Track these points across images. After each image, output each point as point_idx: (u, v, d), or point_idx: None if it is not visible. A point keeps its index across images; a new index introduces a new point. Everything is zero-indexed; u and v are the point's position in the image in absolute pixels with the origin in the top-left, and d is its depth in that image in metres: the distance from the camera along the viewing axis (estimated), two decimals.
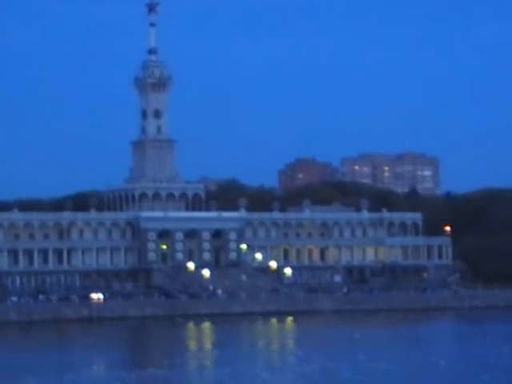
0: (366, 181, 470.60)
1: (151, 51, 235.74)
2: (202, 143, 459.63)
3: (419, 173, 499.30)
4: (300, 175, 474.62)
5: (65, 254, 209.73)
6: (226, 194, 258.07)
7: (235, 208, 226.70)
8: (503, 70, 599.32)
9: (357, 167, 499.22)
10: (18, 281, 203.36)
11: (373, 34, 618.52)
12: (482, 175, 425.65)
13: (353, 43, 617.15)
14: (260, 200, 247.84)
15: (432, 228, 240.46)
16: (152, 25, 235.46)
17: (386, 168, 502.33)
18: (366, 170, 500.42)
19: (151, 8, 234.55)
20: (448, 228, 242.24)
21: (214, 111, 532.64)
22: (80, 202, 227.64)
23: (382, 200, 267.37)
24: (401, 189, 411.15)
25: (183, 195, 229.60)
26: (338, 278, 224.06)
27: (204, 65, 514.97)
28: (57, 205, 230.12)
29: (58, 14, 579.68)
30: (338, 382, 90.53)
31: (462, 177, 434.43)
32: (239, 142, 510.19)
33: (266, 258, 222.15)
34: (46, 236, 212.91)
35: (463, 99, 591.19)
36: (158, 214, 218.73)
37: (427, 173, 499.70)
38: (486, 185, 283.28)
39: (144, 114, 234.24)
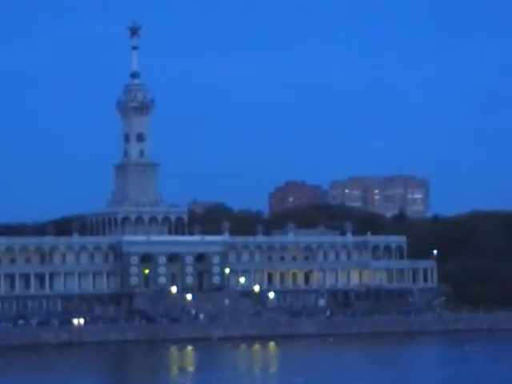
0: (356, 204, 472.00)
1: (134, 75, 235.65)
2: (189, 166, 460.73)
3: (409, 196, 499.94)
4: (290, 198, 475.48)
5: (47, 278, 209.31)
6: (211, 218, 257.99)
7: (220, 232, 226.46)
8: (494, 94, 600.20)
9: (347, 190, 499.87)
10: None
11: (360, 56, 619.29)
12: (472, 197, 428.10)
13: (339, 64, 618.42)
14: (245, 223, 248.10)
15: (418, 251, 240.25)
16: (135, 48, 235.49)
17: (376, 191, 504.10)
18: (355, 193, 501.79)
19: (134, 32, 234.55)
20: (435, 251, 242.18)
21: (200, 134, 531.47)
22: (62, 227, 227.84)
23: (368, 223, 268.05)
24: (391, 211, 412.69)
25: (166, 219, 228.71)
26: (322, 302, 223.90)
27: (188, 87, 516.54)
28: (39, 229, 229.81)
29: (39, 34, 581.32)
30: None
31: (452, 199, 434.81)
32: (227, 165, 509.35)
33: (250, 282, 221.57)
34: (28, 260, 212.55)
35: (453, 119, 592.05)
36: (141, 237, 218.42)
37: (417, 195, 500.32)
38: (476, 207, 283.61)
39: (127, 138, 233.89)
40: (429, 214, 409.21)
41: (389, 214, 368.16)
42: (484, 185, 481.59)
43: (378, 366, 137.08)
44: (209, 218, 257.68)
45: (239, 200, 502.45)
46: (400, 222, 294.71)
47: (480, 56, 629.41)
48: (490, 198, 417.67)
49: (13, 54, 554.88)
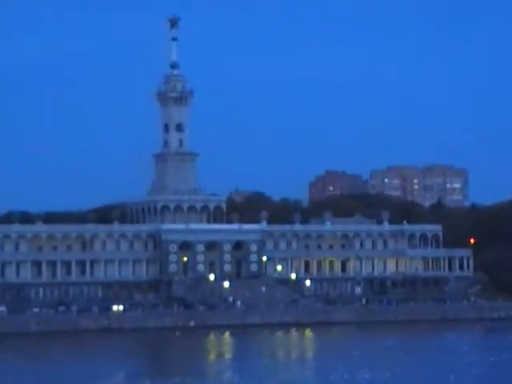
0: (396, 193, 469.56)
1: (173, 65, 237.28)
2: (229, 156, 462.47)
3: (448, 185, 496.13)
4: (330, 187, 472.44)
5: (87, 265, 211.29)
6: (250, 206, 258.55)
7: (258, 220, 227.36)
8: None
9: (386, 179, 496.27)
10: (40, 292, 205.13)
11: (392, 47, 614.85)
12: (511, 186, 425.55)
13: (375, 56, 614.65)
14: (284, 212, 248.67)
15: (455, 239, 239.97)
16: (174, 39, 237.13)
17: (416, 180, 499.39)
18: (395, 182, 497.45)
19: (173, 23, 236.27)
20: (472, 240, 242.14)
21: (239, 124, 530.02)
22: (103, 215, 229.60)
23: (405, 212, 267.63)
24: (430, 201, 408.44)
25: (205, 207, 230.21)
26: (358, 290, 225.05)
27: (226, 78, 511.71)
28: (81, 217, 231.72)
29: (77, 27, 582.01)
30: None
31: (491, 188, 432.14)
32: (268, 154, 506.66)
33: (287, 270, 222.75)
34: (69, 248, 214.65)
35: (490, 109, 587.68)
36: (180, 226, 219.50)
37: (456, 185, 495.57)
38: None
39: (166, 128, 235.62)
40: (467, 203, 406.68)
41: (427, 203, 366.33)
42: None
43: (416, 352, 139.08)
44: (248, 207, 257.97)
45: (279, 189, 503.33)
46: (438, 211, 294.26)
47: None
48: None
49: (53, 48, 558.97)
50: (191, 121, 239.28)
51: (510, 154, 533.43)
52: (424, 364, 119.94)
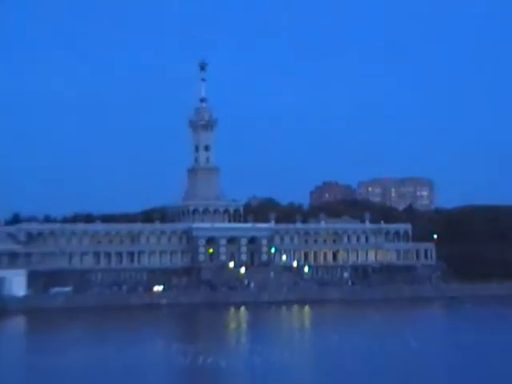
0: (377, 199, 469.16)
1: (202, 100, 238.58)
2: (247, 170, 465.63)
3: (418, 193, 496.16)
4: (326, 195, 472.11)
5: (135, 255, 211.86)
6: (262, 209, 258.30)
7: (268, 220, 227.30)
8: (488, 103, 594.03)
9: (370, 189, 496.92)
10: (99, 276, 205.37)
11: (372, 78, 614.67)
12: (467, 194, 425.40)
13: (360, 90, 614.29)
14: (289, 214, 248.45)
15: (422, 236, 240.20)
16: (203, 80, 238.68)
17: (393, 189, 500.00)
18: (377, 190, 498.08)
19: (202, 67, 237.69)
20: (435, 236, 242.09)
21: (254, 146, 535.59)
22: (148, 216, 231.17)
23: (384, 214, 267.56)
24: (403, 205, 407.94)
25: (226, 210, 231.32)
26: (346, 275, 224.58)
27: (243, 109, 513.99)
28: (131, 218, 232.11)
29: (123, 66, 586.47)
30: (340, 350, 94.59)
31: (451, 195, 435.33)
32: (277, 168, 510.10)
33: (290, 259, 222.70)
34: (121, 242, 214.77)
35: (452, 132, 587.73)
36: (207, 224, 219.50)
37: (424, 193, 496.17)
38: (469, 202, 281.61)
39: (196, 148, 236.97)
40: (433, 207, 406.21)
41: (401, 207, 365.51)
42: (477, 183, 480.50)
43: (389, 322, 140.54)
44: (261, 210, 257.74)
45: (287, 196, 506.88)
46: (409, 214, 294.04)
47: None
48: (481, 195, 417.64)
49: (99, 84, 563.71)
50: (216, 142, 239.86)
51: (466, 168, 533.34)
52: (395, 330, 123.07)
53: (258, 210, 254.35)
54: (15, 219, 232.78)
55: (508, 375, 76.55)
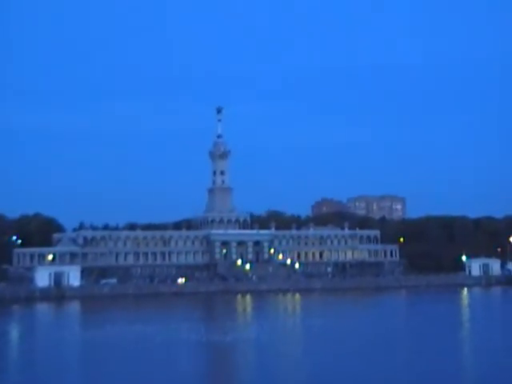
0: (362, 211, 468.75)
1: (218, 136, 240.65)
2: (260, 189, 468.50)
3: (394, 207, 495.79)
4: (324, 208, 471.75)
5: (166, 255, 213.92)
6: (268, 220, 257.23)
7: (269, 228, 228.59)
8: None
9: (357, 203, 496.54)
10: (139, 271, 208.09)
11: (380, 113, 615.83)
12: (432, 206, 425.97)
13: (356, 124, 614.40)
14: (291, 223, 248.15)
15: (391, 239, 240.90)
16: (219, 120, 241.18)
17: (374, 204, 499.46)
18: (362, 205, 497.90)
19: (219, 110, 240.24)
20: (402, 239, 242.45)
21: (263, 169, 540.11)
22: (177, 225, 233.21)
23: (362, 223, 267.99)
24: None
25: (237, 220, 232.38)
26: (329, 269, 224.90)
27: (251, 142, 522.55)
28: (163, 226, 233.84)
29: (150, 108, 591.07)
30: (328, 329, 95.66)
31: (419, 208, 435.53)
32: (284, 187, 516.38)
33: (285, 258, 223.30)
34: (156, 244, 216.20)
35: (421, 158, 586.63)
36: (221, 231, 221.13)
37: (398, 206, 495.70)
38: (429, 213, 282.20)
39: (214, 173, 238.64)
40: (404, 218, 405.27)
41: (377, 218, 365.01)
42: (439, 197, 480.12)
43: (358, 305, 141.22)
44: (267, 219, 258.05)
45: (293, 208, 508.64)
46: (383, 222, 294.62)
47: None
48: (442, 207, 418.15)
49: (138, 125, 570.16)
50: (230, 168, 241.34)
51: (433, 186, 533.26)
52: (364, 311, 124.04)
53: (265, 220, 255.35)
54: (80, 227, 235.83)
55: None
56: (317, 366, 65.21)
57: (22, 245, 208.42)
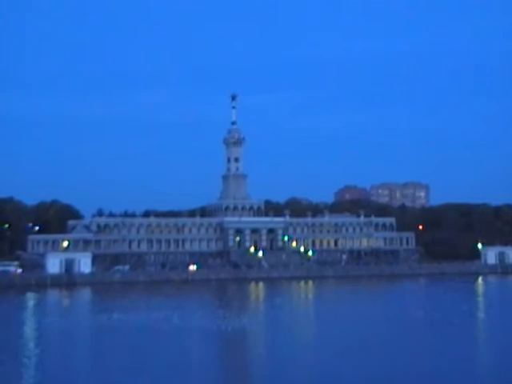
0: (385, 199, 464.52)
1: (233, 123, 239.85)
2: (286, 174, 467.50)
3: (417, 194, 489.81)
4: (347, 195, 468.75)
5: (180, 242, 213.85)
6: (286, 207, 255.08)
7: (284, 215, 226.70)
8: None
9: (380, 191, 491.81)
10: (152, 258, 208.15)
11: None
12: (453, 194, 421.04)
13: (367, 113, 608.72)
14: (307, 210, 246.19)
15: (409, 227, 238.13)
16: (233, 107, 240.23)
17: (397, 191, 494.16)
18: (385, 192, 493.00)
19: (233, 97, 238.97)
20: (420, 227, 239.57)
21: (281, 156, 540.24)
22: (191, 212, 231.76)
23: (381, 211, 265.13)
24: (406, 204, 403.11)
25: (251, 208, 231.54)
26: (344, 257, 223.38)
27: (267, 128, 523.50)
28: (177, 214, 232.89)
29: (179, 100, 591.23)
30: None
31: (442, 196, 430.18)
32: (310, 173, 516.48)
33: (299, 245, 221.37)
34: (170, 231, 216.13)
35: (446, 147, 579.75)
36: (235, 218, 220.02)
37: (421, 194, 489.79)
38: (452, 201, 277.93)
39: (229, 160, 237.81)
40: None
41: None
42: (462, 185, 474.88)
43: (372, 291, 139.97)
44: (285, 207, 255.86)
45: (315, 196, 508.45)
46: (402, 210, 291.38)
47: None
48: (464, 195, 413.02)
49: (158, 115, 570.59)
50: (244, 155, 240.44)
51: (457, 174, 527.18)
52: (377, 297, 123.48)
53: (283, 207, 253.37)
54: (99, 213, 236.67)
55: None
56: (327, 356, 64.32)
57: (39, 231, 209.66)
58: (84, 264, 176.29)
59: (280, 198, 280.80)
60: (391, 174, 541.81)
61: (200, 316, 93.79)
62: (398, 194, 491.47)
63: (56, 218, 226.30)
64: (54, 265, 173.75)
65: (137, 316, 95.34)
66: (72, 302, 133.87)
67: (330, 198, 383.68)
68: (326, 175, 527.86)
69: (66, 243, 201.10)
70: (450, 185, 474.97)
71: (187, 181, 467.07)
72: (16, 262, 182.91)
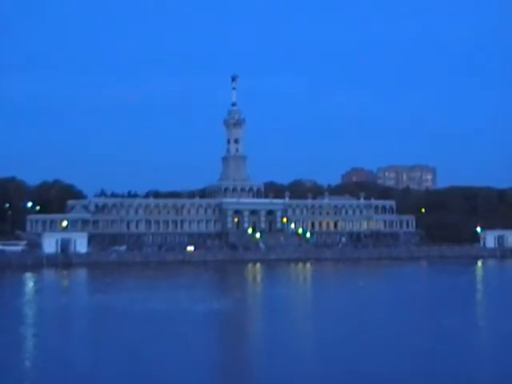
0: (392, 182, 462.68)
1: (233, 104, 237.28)
2: (293, 156, 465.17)
3: (424, 177, 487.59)
4: (353, 178, 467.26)
5: (178, 223, 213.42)
6: (289, 189, 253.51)
7: (284, 197, 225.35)
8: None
9: (386, 173, 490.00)
10: (150, 238, 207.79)
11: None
12: (460, 176, 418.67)
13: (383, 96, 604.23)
14: (311, 192, 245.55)
15: (411, 209, 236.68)
16: (234, 88, 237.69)
17: (404, 174, 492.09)
18: (392, 175, 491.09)
19: (233, 78, 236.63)
20: (423, 210, 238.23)
21: (286, 138, 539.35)
22: (191, 193, 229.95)
23: (383, 193, 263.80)
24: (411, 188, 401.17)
25: (251, 189, 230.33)
26: (343, 239, 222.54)
27: (267, 110, 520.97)
28: (176, 195, 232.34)
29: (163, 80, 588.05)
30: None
31: (449, 179, 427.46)
32: (317, 156, 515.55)
33: (298, 227, 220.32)
34: (168, 212, 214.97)
35: (452, 130, 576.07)
36: (233, 200, 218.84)
37: (429, 177, 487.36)
38: (459, 184, 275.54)
39: (228, 141, 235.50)
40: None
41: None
42: (464, 169, 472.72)
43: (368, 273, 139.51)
44: (287, 189, 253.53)
45: (322, 178, 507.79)
46: (405, 193, 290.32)
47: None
48: (470, 178, 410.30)
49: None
50: (245, 136, 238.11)
51: (465, 156, 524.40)
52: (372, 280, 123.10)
53: (285, 189, 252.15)
54: (101, 194, 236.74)
55: None
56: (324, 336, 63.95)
57: (40, 211, 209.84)
58: (80, 244, 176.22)
59: (285, 180, 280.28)
60: (399, 156, 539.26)
61: (190, 297, 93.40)
62: (404, 177, 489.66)
63: (57, 198, 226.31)
64: (49, 245, 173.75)
65: (129, 296, 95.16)
66: (67, 282, 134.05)
67: (337, 181, 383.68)
68: (334, 157, 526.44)
69: (65, 223, 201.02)
70: (458, 168, 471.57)
71: (190, 162, 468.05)
72: (24, 242, 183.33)
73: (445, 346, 57.09)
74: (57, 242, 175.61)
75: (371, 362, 51.75)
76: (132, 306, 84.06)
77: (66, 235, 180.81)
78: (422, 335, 62.79)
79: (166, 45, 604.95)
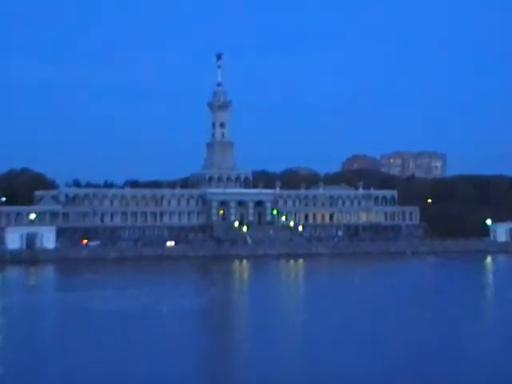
0: (397, 169, 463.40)
1: (218, 84, 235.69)
2: (290, 142, 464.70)
3: (433, 164, 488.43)
4: (355, 165, 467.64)
5: (158, 215, 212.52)
6: (281, 178, 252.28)
7: (274, 187, 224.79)
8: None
9: (391, 160, 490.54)
10: (127, 233, 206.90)
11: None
12: (471, 164, 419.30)
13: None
14: (309, 181, 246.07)
15: (416, 200, 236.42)
16: (219, 67, 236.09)
17: (411, 161, 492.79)
18: (397, 162, 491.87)
19: (219, 56, 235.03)
20: (428, 200, 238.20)
21: (279, 125, 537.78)
22: (172, 183, 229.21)
23: (385, 182, 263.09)
24: (419, 175, 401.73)
25: (237, 178, 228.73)
26: (340, 233, 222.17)
27: (255, 91, 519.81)
28: (156, 184, 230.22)
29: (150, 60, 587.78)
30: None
31: (460, 166, 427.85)
32: (317, 142, 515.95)
33: (290, 220, 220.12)
34: (147, 204, 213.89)
35: (463, 116, 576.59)
36: (219, 190, 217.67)
37: (438, 164, 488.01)
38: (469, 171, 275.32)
39: (213, 125, 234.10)
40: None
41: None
42: (476, 156, 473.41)
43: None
44: (278, 178, 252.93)
45: (321, 166, 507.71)
46: (410, 182, 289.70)
47: None
48: (481, 166, 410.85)
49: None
50: (230, 120, 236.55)
51: (477, 143, 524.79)
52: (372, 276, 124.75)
53: (278, 178, 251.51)
54: (75, 183, 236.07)
55: None
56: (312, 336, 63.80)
57: (6, 203, 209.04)
58: (47, 239, 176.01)
59: (277, 168, 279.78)
60: (404, 142, 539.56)
61: (166, 295, 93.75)
62: (411, 164, 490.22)
63: (25, 187, 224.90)
64: (13, 240, 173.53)
65: (98, 293, 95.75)
66: (33, 279, 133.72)
67: (336, 169, 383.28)
68: (333, 143, 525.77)
69: (32, 216, 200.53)
70: (469, 154, 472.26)
71: (172, 149, 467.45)
72: None
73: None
74: (21, 236, 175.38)
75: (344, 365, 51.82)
76: (101, 306, 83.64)
77: (31, 229, 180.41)
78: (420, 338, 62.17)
79: (143, 22, 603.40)
